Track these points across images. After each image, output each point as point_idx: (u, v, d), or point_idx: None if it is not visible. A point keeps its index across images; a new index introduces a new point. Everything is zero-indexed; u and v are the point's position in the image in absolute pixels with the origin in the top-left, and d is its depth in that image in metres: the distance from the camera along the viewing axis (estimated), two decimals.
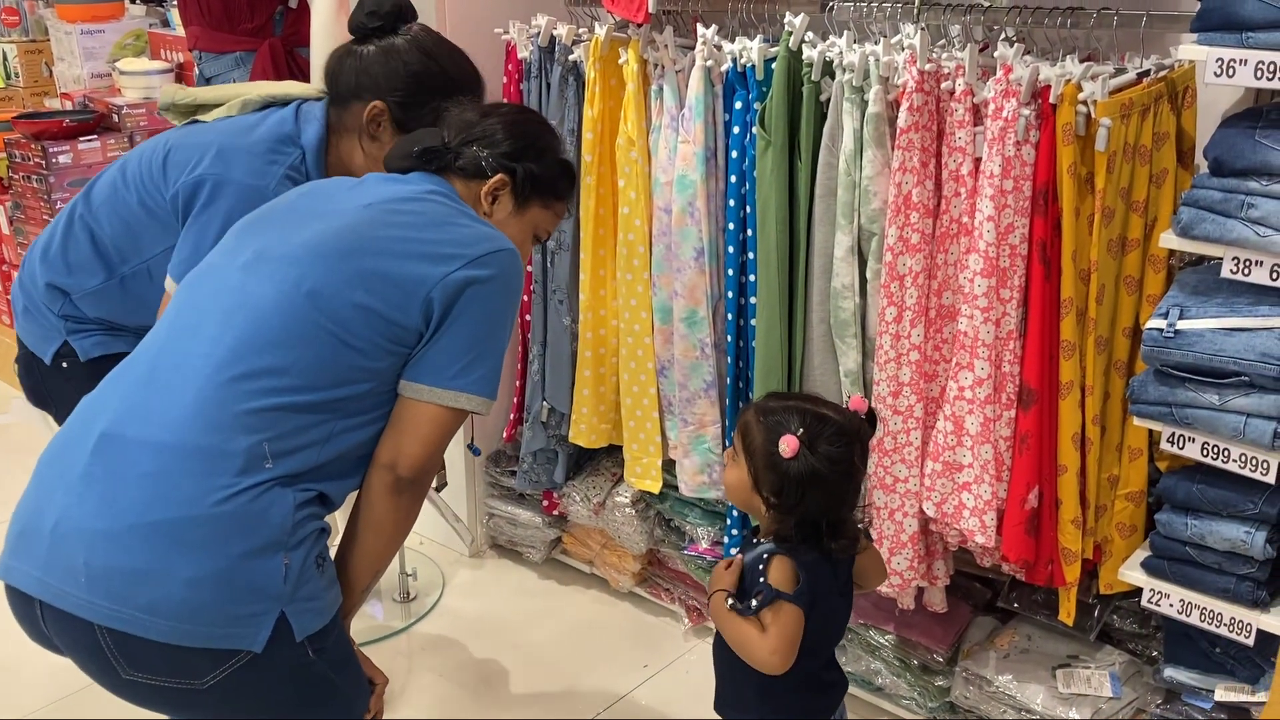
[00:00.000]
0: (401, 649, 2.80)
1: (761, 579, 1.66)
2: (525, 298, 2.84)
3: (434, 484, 2.64)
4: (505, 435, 3.02)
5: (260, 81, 2.09)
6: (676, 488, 2.65)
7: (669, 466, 2.68)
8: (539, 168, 1.70)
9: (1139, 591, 1.99)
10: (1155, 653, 2.27)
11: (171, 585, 1.38)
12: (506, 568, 3.11)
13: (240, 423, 1.42)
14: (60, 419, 1.87)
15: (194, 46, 3.32)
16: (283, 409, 1.44)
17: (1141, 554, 2.04)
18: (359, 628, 2.81)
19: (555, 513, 2.97)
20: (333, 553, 1.57)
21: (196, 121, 1.96)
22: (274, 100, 1.96)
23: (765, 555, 1.68)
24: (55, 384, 2.04)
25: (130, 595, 1.38)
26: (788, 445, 1.62)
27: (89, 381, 1.59)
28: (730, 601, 1.69)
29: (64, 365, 2.02)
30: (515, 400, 2.96)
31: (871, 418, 1.74)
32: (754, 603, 1.65)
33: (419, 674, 2.71)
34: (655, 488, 2.69)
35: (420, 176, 1.66)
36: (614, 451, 2.85)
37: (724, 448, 2.55)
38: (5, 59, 4.61)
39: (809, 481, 1.64)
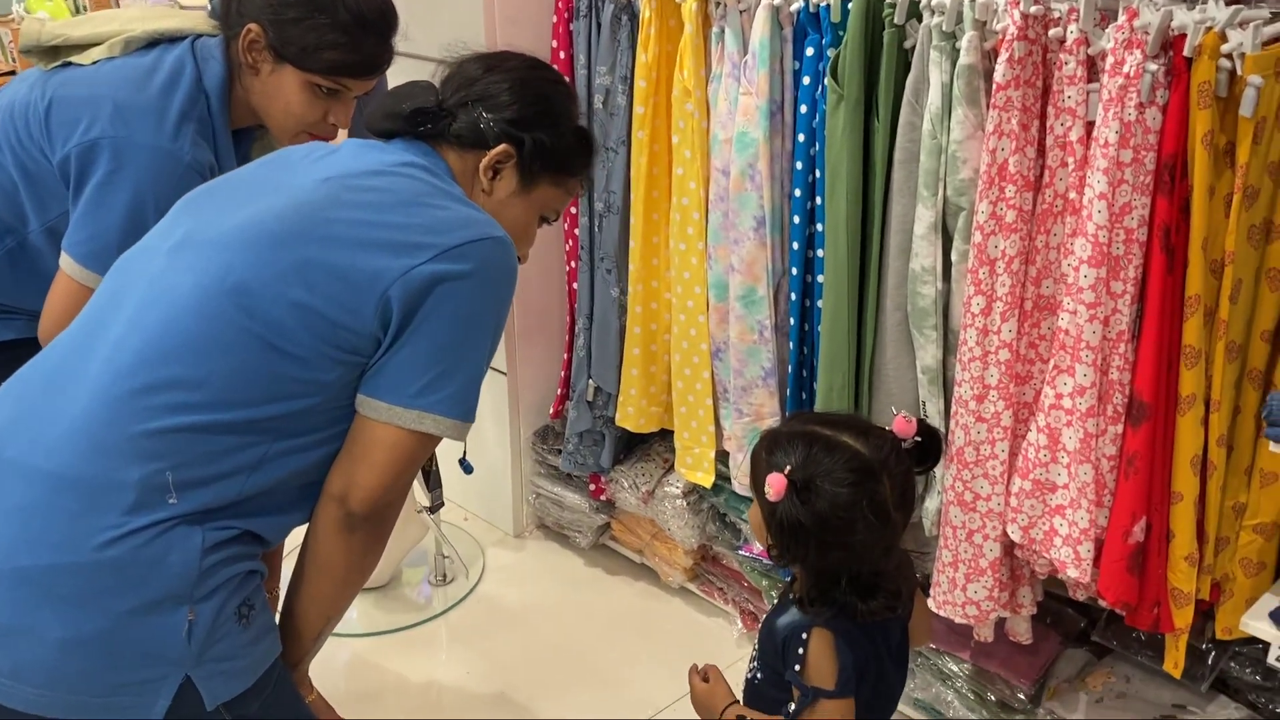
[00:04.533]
0: (433, 638, 2.61)
1: (799, 666, 1.38)
2: (572, 264, 2.58)
3: (428, 504, 2.41)
4: (552, 412, 2.78)
5: (140, 9, 1.79)
6: (731, 481, 2.39)
7: (723, 458, 2.41)
8: (551, 138, 1.40)
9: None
10: None
11: (40, 647, 1.16)
12: (552, 551, 2.89)
13: (135, 447, 1.18)
14: None
15: None
16: (193, 430, 1.19)
17: (1272, 600, 1.71)
18: (387, 611, 2.71)
19: (602, 498, 2.73)
20: None
21: (70, 64, 1.67)
22: (162, 36, 1.68)
23: (804, 629, 1.39)
24: None
25: None
26: (773, 486, 1.34)
27: None
28: None
29: None
30: (563, 375, 2.71)
31: (929, 441, 1.43)
32: (789, 708, 1.40)
33: (449, 667, 2.52)
34: (708, 481, 2.42)
35: (401, 145, 1.38)
36: (666, 436, 2.59)
37: None
38: None
39: (799, 530, 1.35)
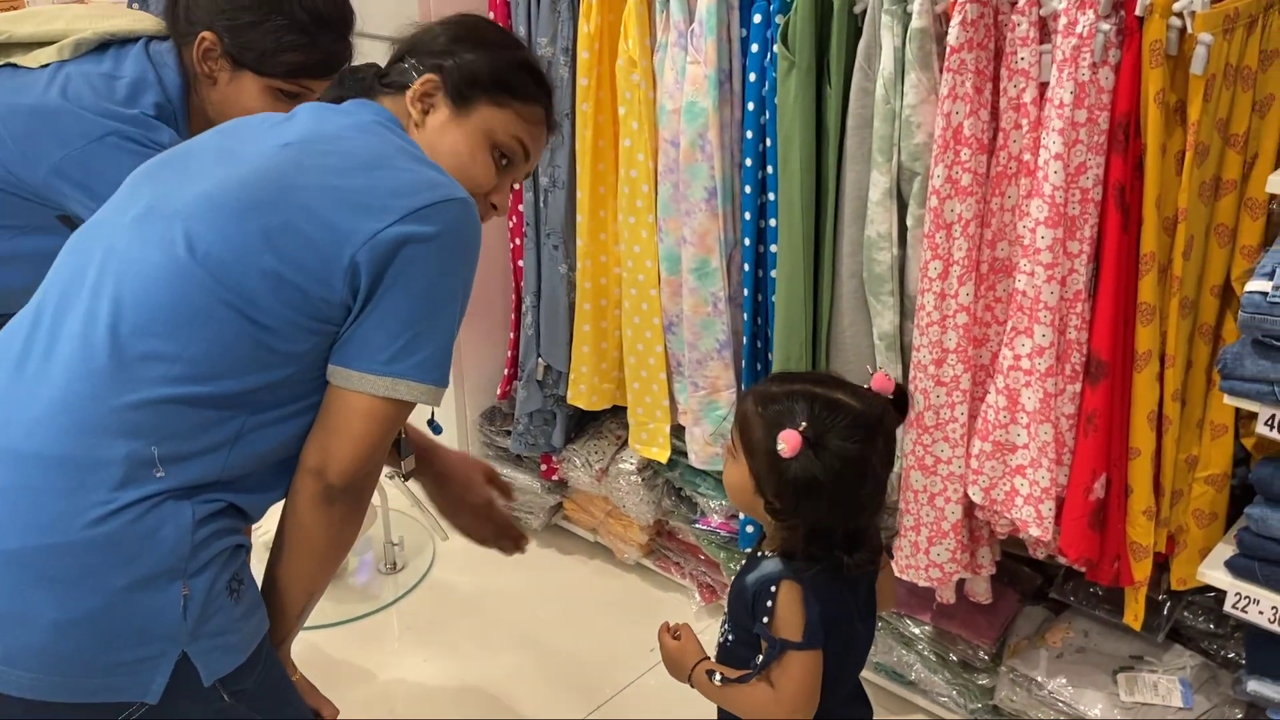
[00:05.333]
0: (386, 628, 2.56)
1: (767, 618, 1.38)
2: (517, 241, 2.53)
3: (402, 471, 2.35)
4: (499, 392, 2.74)
5: (84, 6, 1.73)
6: (687, 455, 2.37)
7: (678, 432, 2.40)
8: (479, 58, 1.35)
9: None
10: (1232, 654, 1.99)
11: (33, 630, 1.12)
12: None
13: (118, 422, 1.15)
14: None
15: None
16: (174, 403, 1.16)
17: (1225, 550, 1.75)
18: (336, 601, 2.65)
19: (554, 478, 2.70)
20: None
21: (15, 66, 1.61)
22: (113, 38, 1.62)
23: (773, 581, 1.39)
24: None
25: None
26: (787, 443, 1.33)
27: None
28: (719, 676, 1.44)
29: None
30: (509, 355, 2.67)
31: (901, 399, 1.44)
32: (758, 660, 1.39)
33: (405, 656, 2.47)
34: (663, 456, 2.41)
35: (358, 104, 1.35)
36: (618, 412, 2.57)
37: None
38: None
39: (815, 485, 1.34)
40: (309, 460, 1.24)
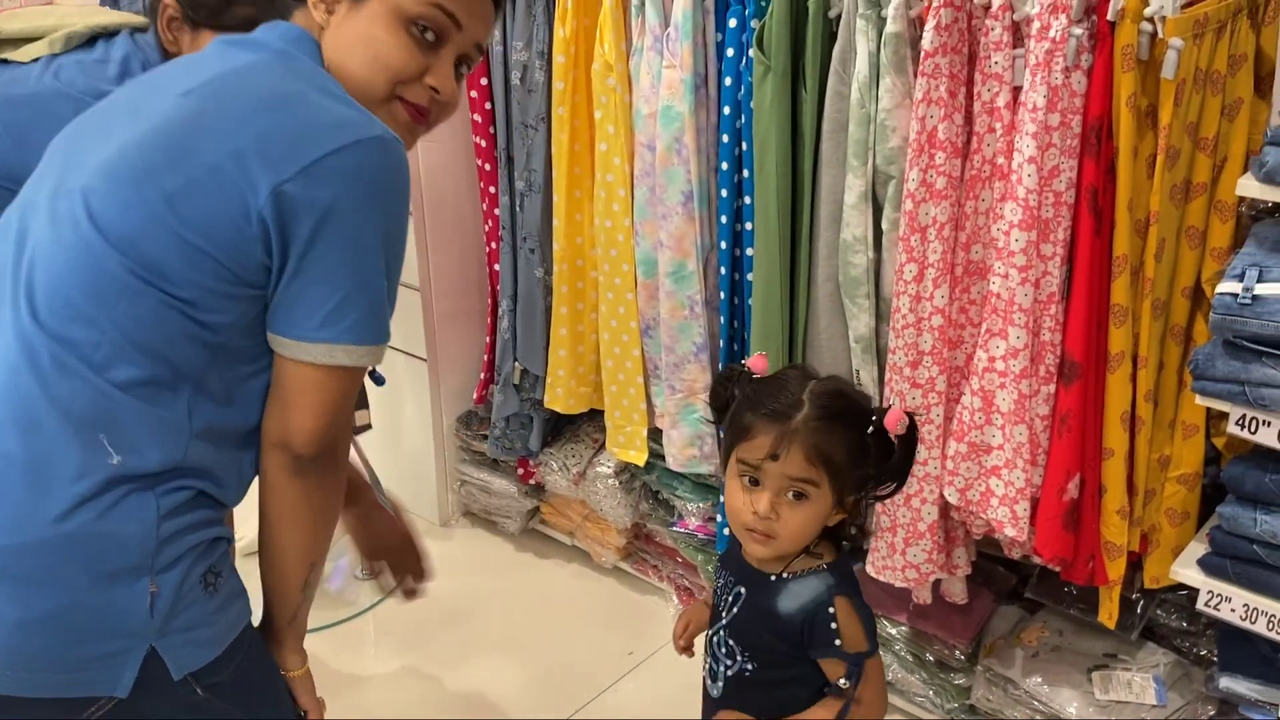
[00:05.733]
0: (362, 633, 2.55)
1: (838, 640, 1.38)
2: (493, 245, 2.53)
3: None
4: (475, 397, 2.73)
5: (74, 5, 1.74)
6: (664, 458, 2.38)
7: (655, 435, 2.40)
8: None
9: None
10: (1205, 651, 2.01)
11: None
12: (480, 538, 2.85)
13: (63, 413, 1.11)
14: None
15: None
16: (109, 387, 1.12)
17: (1197, 548, 1.78)
18: (315, 608, 2.60)
19: (531, 482, 2.70)
20: None
21: (6, 61, 1.61)
22: (102, 30, 1.63)
23: (827, 602, 1.38)
24: None
25: None
26: (898, 420, 1.34)
27: None
28: None
29: None
30: (486, 359, 2.67)
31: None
32: (842, 684, 1.39)
33: (382, 662, 2.46)
34: (640, 459, 2.41)
35: (267, 28, 1.25)
36: (595, 415, 2.57)
37: None
38: None
39: (909, 450, 1.37)
40: (270, 434, 1.19)
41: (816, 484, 1.35)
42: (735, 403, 1.42)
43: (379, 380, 1.60)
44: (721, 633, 1.48)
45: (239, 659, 1.23)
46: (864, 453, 1.36)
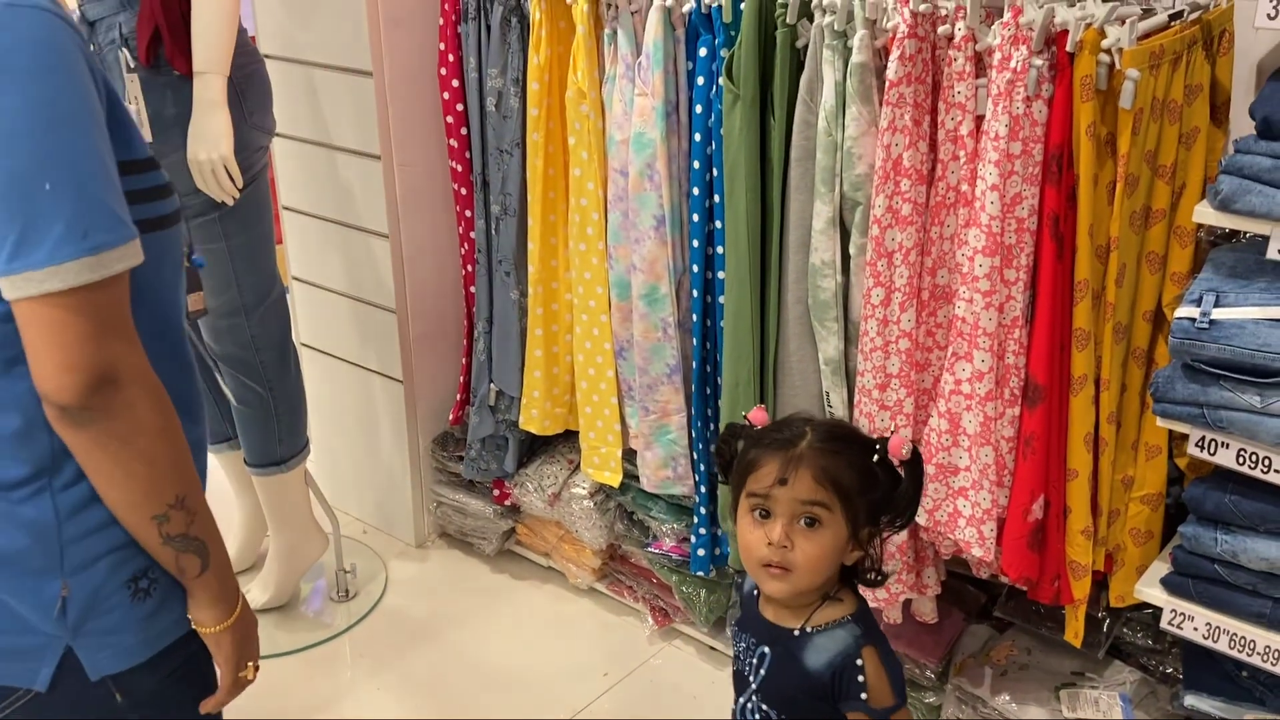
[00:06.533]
0: (339, 656, 2.55)
1: (864, 694, 1.36)
2: (469, 268, 2.55)
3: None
4: (451, 418, 2.74)
5: None
6: (639, 479, 2.39)
7: (630, 456, 2.42)
8: None
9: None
10: (1170, 669, 2.04)
11: None
12: (455, 560, 2.85)
13: None
14: None
15: None
16: None
17: (1161, 568, 1.80)
18: (288, 630, 2.63)
19: (507, 503, 2.71)
20: None
21: None
22: None
23: (854, 655, 1.37)
24: None
25: None
26: (902, 444, 1.35)
27: None
28: None
29: None
30: (461, 380, 2.68)
31: (916, 464, 1.40)
32: None
33: (358, 685, 2.46)
34: (615, 480, 2.43)
35: None
36: (570, 436, 2.58)
37: (689, 439, 2.28)
38: None
39: (917, 483, 1.38)
40: (38, 389, 1.04)
41: (828, 507, 1.34)
42: (739, 453, 1.42)
43: (198, 264, 1.44)
44: (754, 699, 1.45)
45: (169, 670, 1.20)
46: (871, 479, 1.36)
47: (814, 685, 1.38)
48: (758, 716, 1.45)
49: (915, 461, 1.39)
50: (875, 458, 1.37)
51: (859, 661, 1.36)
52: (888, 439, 1.38)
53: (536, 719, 2.34)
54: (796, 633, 1.40)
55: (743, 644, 1.48)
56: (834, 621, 1.39)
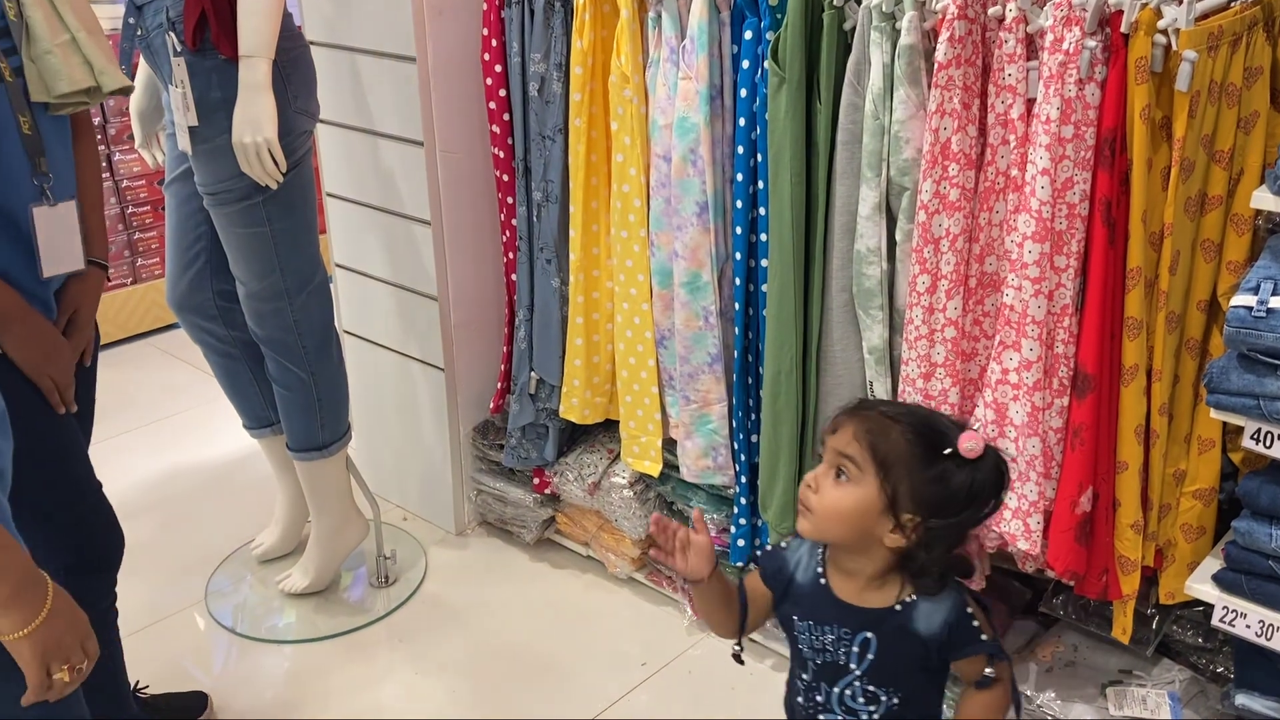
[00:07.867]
0: (377, 640, 2.56)
1: (984, 635, 1.40)
2: (510, 255, 2.54)
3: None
4: (492, 406, 2.74)
5: None
6: (679, 469, 2.38)
7: (670, 445, 2.40)
8: None
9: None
10: (1222, 669, 1.99)
11: None
12: (495, 548, 2.85)
13: None
14: None
15: None
16: None
17: (1213, 564, 1.76)
18: (328, 615, 2.67)
19: (547, 492, 2.71)
20: None
21: None
22: None
23: (960, 605, 1.40)
24: None
25: None
26: (975, 442, 1.32)
27: None
28: None
29: None
30: (502, 369, 2.68)
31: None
32: (988, 673, 1.41)
33: (396, 670, 2.47)
34: (655, 470, 2.41)
35: None
36: (611, 425, 2.57)
37: (730, 428, 2.26)
38: None
39: (979, 493, 1.34)
40: None
41: (858, 465, 1.35)
42: None
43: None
44: (856, 684, 1.44)
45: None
46: (927, 464, 1.34)
47: (927, 650, 1.41)
48: (861, 699, 1.45)
49: (983, 464, 1.34)
50: (948, 450, 1.34)
51: (969, 609, 1.41)
52: (962, 429, 1.36)
53: (573, 708, 2.33)
54: (898, 607, 1.41)
55: (830, 635, 1.45)
56: (925, 591, 1.41)
